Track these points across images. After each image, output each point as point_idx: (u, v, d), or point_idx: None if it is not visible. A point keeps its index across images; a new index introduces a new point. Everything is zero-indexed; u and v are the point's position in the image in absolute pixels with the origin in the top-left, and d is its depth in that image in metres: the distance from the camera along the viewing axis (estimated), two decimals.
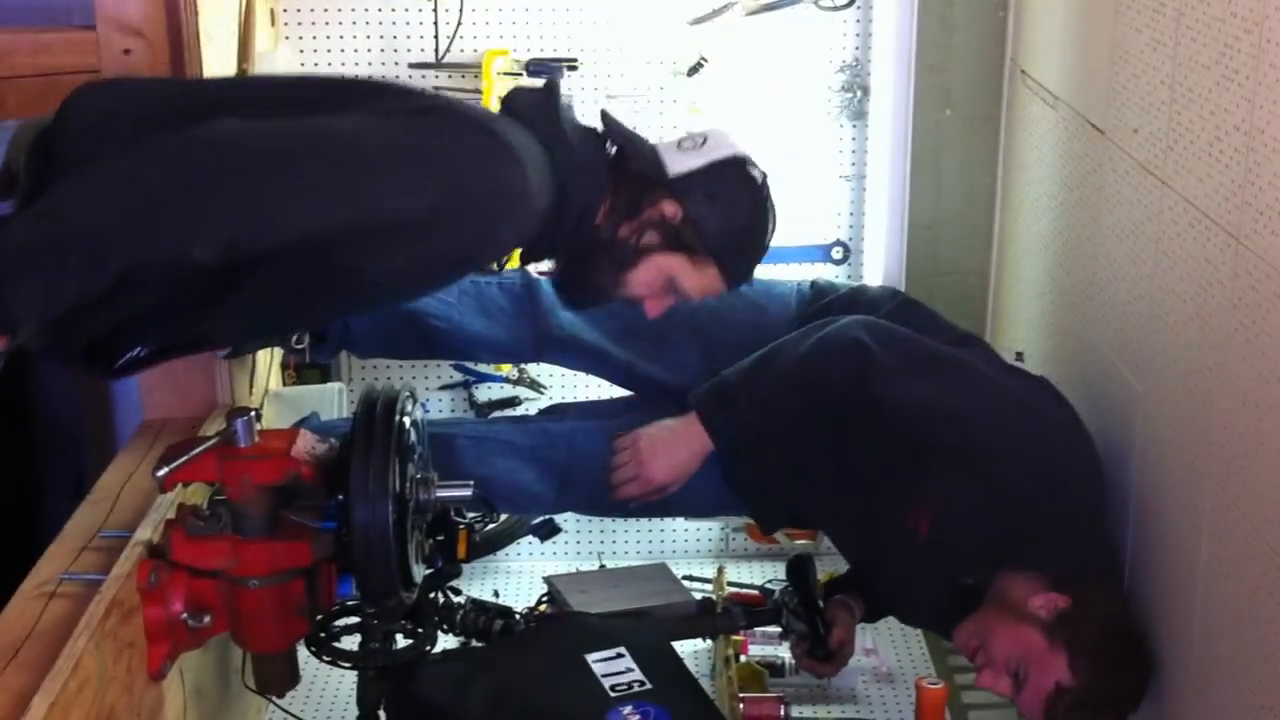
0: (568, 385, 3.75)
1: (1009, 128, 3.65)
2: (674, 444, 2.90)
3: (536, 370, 3.71)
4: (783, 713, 3.12)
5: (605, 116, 2.68)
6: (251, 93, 2.45)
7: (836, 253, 3.80)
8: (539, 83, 2.68)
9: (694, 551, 3.97)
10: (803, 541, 3.77)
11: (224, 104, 2.31)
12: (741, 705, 3.05)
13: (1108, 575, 2.68)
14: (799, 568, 3.07)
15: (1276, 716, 2.08)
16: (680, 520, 3.90)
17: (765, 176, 2.71)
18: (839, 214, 3.80)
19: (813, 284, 3.23)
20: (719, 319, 3.12)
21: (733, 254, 2.70)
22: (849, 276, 3.81)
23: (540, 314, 3.17)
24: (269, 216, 2.17)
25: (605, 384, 3.39)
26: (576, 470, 3.08)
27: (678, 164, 2.60)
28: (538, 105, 2.54)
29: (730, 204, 2.65)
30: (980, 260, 3.81)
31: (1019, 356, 3.44)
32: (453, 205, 2.26)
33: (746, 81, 3.69)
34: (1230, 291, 2.22)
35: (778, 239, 3.72)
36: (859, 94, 3.70)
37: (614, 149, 2.67)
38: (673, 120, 3.69)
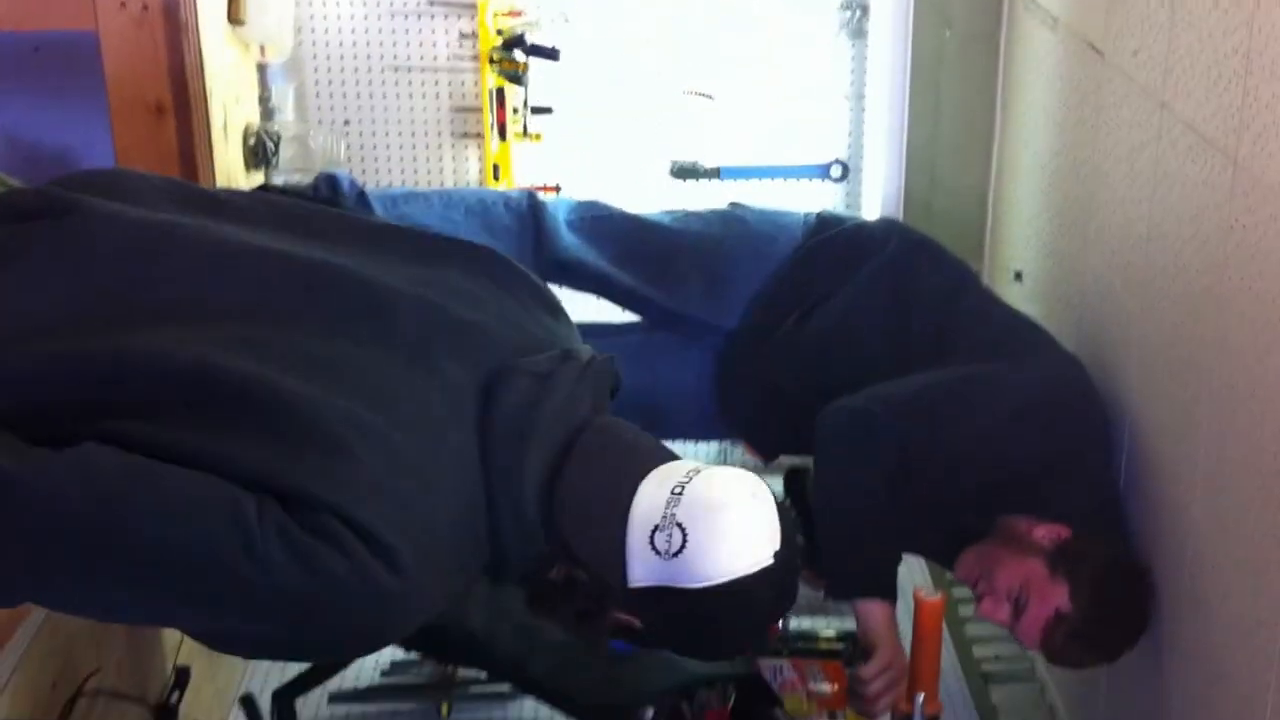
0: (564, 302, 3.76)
1: (1008, 48, 3.64)
2: (879, 631, 2.68)
3: None
4: (781, 624, 3.14)
5: (559, 496, 1.88)
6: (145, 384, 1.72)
7: (835, 171, 3.80)
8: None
9: None
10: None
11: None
12: None
13: (1110, 519, 2.69)
14: (796, 481, 3.08)
15: (1271, 630, 2.10)
16: (676, 441, 3.91)
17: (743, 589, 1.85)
18: (838, 133, 3.80)
19: (819, 215, 3.21)
20: (723, 249, 3.11)
21: (696, 654, 2.14)
22: (847, 195, 3.81)
23: (544, 236, 3.15)
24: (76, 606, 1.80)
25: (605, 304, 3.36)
26: None
27: (640, 569, 1.83)
28: (509, 441, 1.85)
29: (696, 631, 1.90)
30: (979, 180, 3.80)
31: (1017, 276, 3.46)
32: (308, 637, 1.79)
33: None
34: (1227, 214, 2.22)
35: (778, 158, 3.77)
36: (858, 12, 3.69)
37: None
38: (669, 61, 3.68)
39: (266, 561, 1.64)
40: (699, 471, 1.87)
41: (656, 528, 1.82)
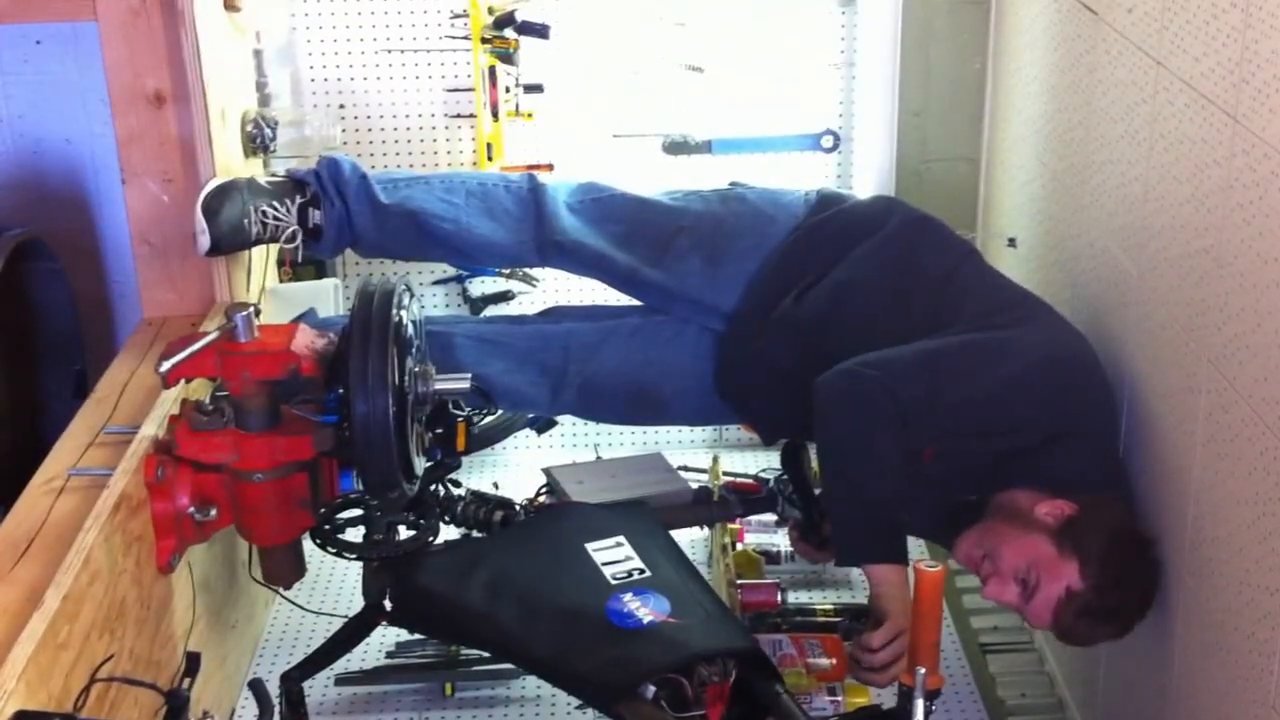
0: (560, 280, 3.77)
1: (999, 10, 3.63)
2: (894, 595, 2.63)
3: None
4: (779, 598, 3.16)
5: None
6: None
7: (826, 141, 3.79)
8: None
9: (689, 442, 4.00)
10: None
11: None
12: (739, 591, 3.08)
13: (1114, 487, 2.66)
14: (793, 455, 3.09)
15: (1274, 596, 2.11)
16: (673, 427, 3.93)
17: None
18: (829, 102, 3.79)
19: (819, 193, 3.17)
20: (724, 228, 3.09)
21: None
22: (839, 165, 3.80)
23: (545, 218, 3.14)
24: None
25: (600, 285, 3.33)
26: (569, 373, 3.09)
27: None
28: None
29: None
30: (971, 147, 3.80)
31: (1011, 243, 3.45)
32: None
33: None
34: (1227, 171, 2.22)
35: (769, 129, 3.76)
36: None
37: None
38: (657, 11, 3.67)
39: None
40: None
41: None
